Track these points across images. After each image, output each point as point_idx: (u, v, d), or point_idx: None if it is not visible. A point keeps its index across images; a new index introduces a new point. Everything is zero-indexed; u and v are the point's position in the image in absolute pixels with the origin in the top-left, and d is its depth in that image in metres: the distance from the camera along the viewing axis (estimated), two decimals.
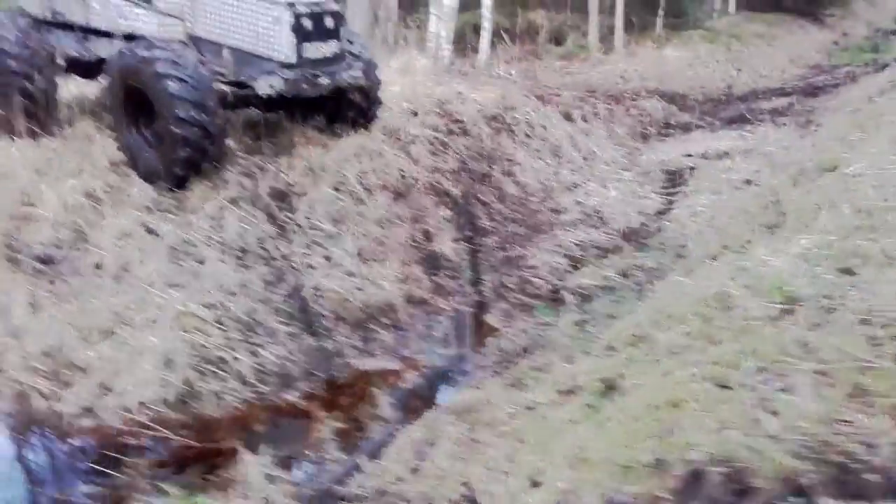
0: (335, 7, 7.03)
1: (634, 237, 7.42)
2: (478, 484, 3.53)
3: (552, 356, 4.97)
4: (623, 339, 3.98)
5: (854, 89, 13.09)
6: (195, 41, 6.80)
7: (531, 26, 15.65)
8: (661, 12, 17.03)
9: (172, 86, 6.08)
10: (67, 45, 7.84)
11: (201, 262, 6.11)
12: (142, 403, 4.84)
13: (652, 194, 8.69)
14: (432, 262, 6.90)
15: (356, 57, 7.27)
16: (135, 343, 5.15)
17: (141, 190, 6.80)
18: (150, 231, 6.31)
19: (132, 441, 4.59)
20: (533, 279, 6.65)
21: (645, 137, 11.45)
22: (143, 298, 5.59)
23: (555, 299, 6.21)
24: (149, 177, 6.56)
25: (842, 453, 2.59)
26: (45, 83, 7.60)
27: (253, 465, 4.19)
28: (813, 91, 14.40)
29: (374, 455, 4.14)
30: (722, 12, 21.01)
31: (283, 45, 6.44)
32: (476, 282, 6.73)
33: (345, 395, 5.11)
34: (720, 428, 2.78)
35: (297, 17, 6.44)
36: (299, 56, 6.52)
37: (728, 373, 3.06)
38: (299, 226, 6.83)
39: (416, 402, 4.91)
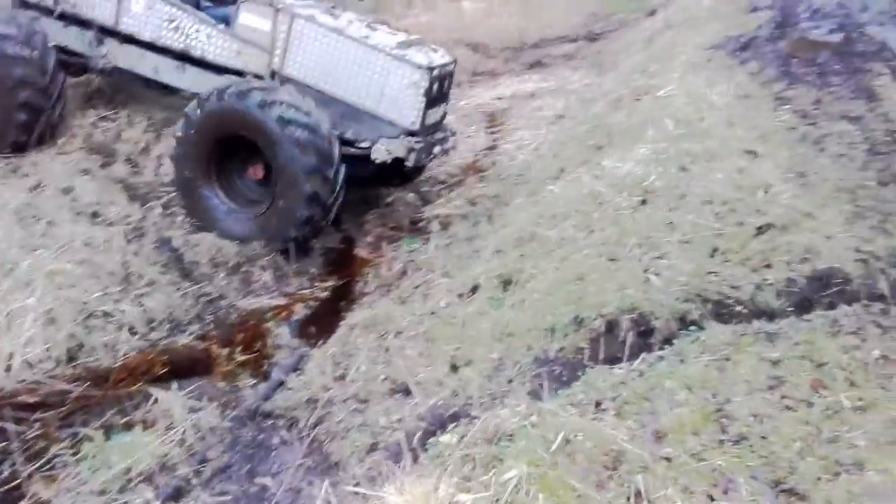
0: (453, 64, 6.37)
1: (473, 171, 8.02)
2: (403, 378, 3.94)
3: (430, 275, 5.45)
4: (509, 242, 4.52)
5: (630, 33, 14.60)
6: (280, 80, 5.93)
7: None
8: None
9: (300, 135, 5.31)
10: (71, 42, 6.66)
11: (53, 224, 5.92)
12: (29, 363, 4.73)
13: (478, 133, 9.34)
14: None
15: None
16: (8, 307, 4.95)
17: None
18: None
19: (30, 399, 4.50)
20: (391, 214, 7.05)
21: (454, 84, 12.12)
22: (1, 263, 5.35)
23: (416, 230, 6.66)
24: (238, 237, 5.82)
25: (716, 293, 3.31)
26: (57, 91, 6.50)
27: (171, 400, 4.29)
28: (594, 37, 15.82)
29: (294, 372, 4.40)
30: None
31: (411, 111, 5.72)
32: (337, 221, 7.02)
33: (239, 332, 5.27)
34: (620, 289, 3.41)
35: (432, 81, 5.72)
36: (422, 123, 5.81)
37: (615, 250, 3.71)
38: (149, 184, 6.75)
39: (314, 328, 5.21)
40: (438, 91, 5.97)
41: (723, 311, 3.25)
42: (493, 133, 9.47)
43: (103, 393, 4.59)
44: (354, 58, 5.73)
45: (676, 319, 3.22)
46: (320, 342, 4.82)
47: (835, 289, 3.30)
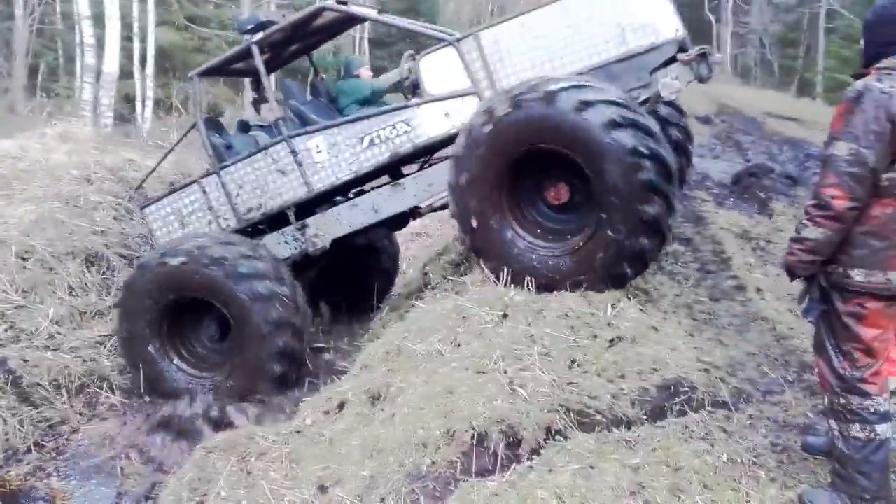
0: None
1: None
2: (267, 502, 3.78)
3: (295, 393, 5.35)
4: (377, 357, 4.54)
5: None
6: None
7: (187, 97, 15.84)
8: None
9: (636, 143, 4.24)
10: (277, 250, 5.76)
11: None
12: None
13: None
14: None
15: None
16: None
17: None
18: None
19: None
20: None
21: None
22: None
23: None
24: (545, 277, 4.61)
25: (577, 403, 3.48)
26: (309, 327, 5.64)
27: None
28: None
29: (146, 502, 4.12)
30: None
31: (665, 17, 4.71)
32: None
33: (83, 459, 4.89)
34: (489, 401, 3.50)
35: None
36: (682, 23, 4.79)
37: (481, 362, 3.82)
38: None
39: (169, 452, 4.91)
40: None
41: (585, 421, 3.41)
42: None
43: None
44: (566, 17, 4.85)
45: (543, 429, 3.34)
46: (174, 468, 4.55)
47: (683, 397, 3.56)
